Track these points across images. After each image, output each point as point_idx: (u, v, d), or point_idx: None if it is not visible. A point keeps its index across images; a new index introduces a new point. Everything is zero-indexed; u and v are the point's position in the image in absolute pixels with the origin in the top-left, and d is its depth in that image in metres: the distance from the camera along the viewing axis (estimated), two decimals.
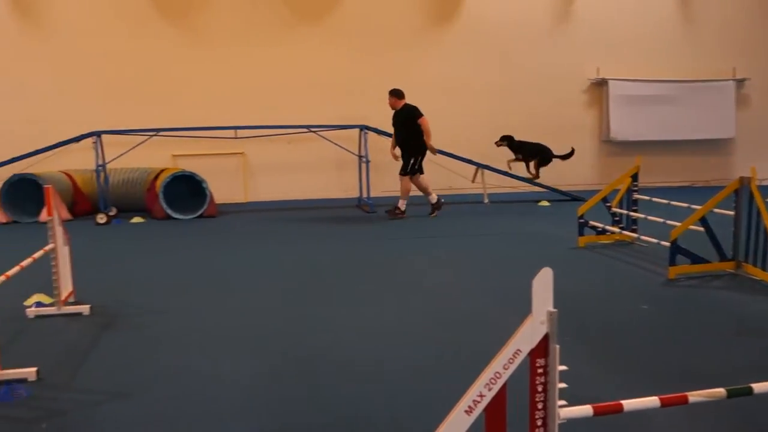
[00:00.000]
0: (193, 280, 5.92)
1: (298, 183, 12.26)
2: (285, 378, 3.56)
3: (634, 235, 7.01)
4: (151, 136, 10.12)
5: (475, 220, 9.46)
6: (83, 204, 10.22)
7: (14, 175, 9.49)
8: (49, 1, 11.11)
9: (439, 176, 12.16)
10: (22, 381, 3.51)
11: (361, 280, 5.75)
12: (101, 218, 9.36)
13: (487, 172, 11.37)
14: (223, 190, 11.31)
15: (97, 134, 9.64)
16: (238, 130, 10.45)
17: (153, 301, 5.20)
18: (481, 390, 2.01)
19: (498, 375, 2.01)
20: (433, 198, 9.79)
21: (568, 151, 11.50)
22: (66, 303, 4.88)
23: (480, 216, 9.89)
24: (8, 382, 3.44)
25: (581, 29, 13.06)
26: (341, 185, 12.34)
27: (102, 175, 9.75)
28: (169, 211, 9.61)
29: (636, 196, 7.11)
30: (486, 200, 11.23)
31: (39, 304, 4.93)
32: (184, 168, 10.33)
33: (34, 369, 3.59)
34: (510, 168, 11.43)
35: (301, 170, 12.24)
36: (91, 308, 4.85)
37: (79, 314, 4.79)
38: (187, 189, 10.01)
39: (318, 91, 11.44)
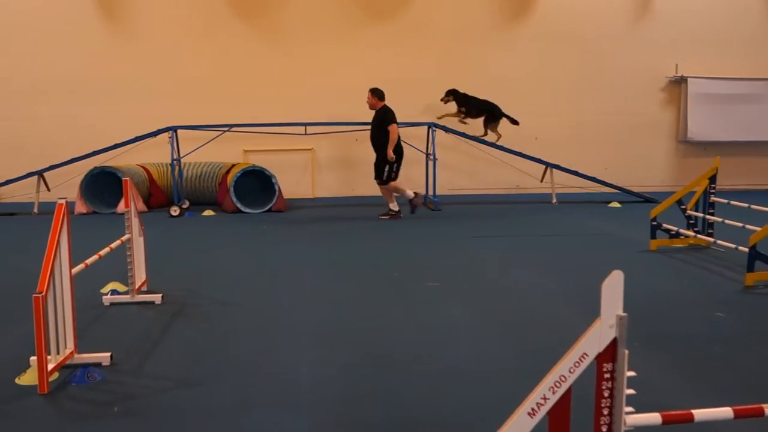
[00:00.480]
0: (260, 273, 6.04)
1: (364, 179, 12.31)
2: (352, 373, 3.58)
3: (710, 239, 6.72)
4: (224, 131, 10.39)
5: (544, 221, 9.28)
6: (158, 196, 10.59)
7: (95, 167, 9.91)
8: (131, 2, 11.53)
9: (507, 175, 12.01)
10: (97, 365, 3.66)
11: (429, 279, 5.73)
12: (174, 210, 9.67)
13: (556, 171, 11.14)
14: (291, 185, 11.49)
15: (173, 129, 9.96)
16: (307, 127, 10.59)
17: (221, 293, 5.33)
18: (545, 393, 1.96)
19: (563, 378, 1.96)
20: (395, 207, 9.40)
21: (512, 119, 11.13)
22: (139, 292, 5.06)
23: (548, 216, 9.70)
24: (84, 366, 3.59)
25: (660, 24, 12.60)
26: (408, 183, 12.32)
27: (176, 168, 10.08)
28: (239, 205, 9.83)
29: (713, 198, 6.82)
30: (554, 200, 11.01)
31: (114, 292, 5.14)
32: (254, 163, 10.56)
33: (108, 354, 3.74)
34: (464, 122, 11.12)
35: (367, 167, 12.28)
36: (162, 297, 5.01)
37: (151, 303, 4.96)
38: (257, 183, 10.22)
39: (386, 89, 11.44)
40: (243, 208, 9.83)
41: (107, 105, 11.45)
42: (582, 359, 1.96)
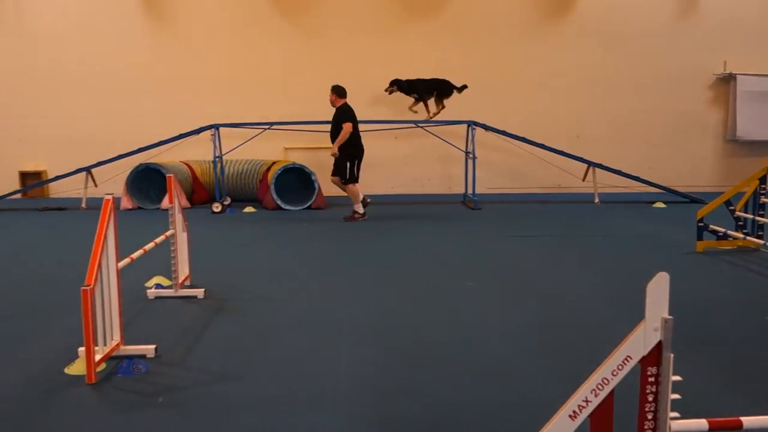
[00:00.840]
0: (299, 270, 6.09)
1: (403, 177, 12.33)
2: (389, 370, 3.59)
3: (760, 241, 6.53)
4: (265, 129, 10.51)
5: (585, 221, 9.15)
6: (201, 193, 10.76)
7: (140, 164, 10.13)
8: (177, 1, 11.74)
9: (548, 174, 11.87)
10: (142, 357, 3.74)
11: (470, 277, 5.70)
12: (216, 207, 9.82)
13: (598, 170, 10.97)
14: (330, 182, 11.57)
15: (215, 127, 10.12)
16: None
17: (262, 288, 5.40)
18: (587, 395, 1.94)
19: (605, 381, 1.93)
20: (359, 209, 9.03)
21: (462, 84, 10.80)
22: (182, 286, 5.15)
23: (590, 216, 9.56)
24: (130, 358, 3.68)
25: (707, 20, 12.29)
26: (446, 181, 12.30)
27: (218, 165, 10.23)
28: (280, 202, 9.94)
29: (764, 199, 6.62)
30: (597, 200, 10.84)
31: (158, 286, 5.24)
32: (294, 160, 10.65)
33: (152, 346, 3.83)
34: (415, 111, 10.86)
35: (406, 165, 12.29)
36: (205, 292, 5.09)
37: (194, 297, 5.05)
38: (297, 181, 10.31)
39: None
40: (283, 205, 9.93)
41: (153, 103, 11.69)
42: (626, 362, 1.93)
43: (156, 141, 10.33)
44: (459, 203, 11.02)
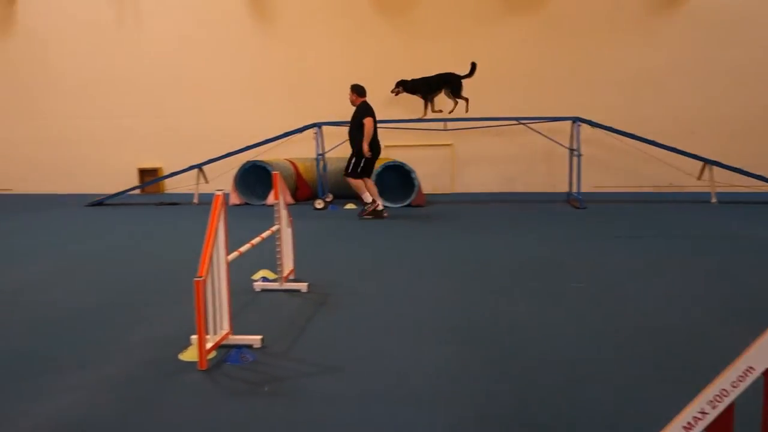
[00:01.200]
0: (400, 266, 6.13)
1: (504, 175, 12.15)
2: (486, 371, 3.55)
3: None
4: None
5: (699, 222, 8.67)
6: (304, 190, 11.05)
7: (247, 161, 10.52)
8: (282, 3, 12.10)
9: (660, 172, 11.34)
10: (249, 347, 3.88)
11: (568, 279, 5.55)
12: (319, 203, 10.04)
13: (716, 168, 10.36)
14: (430, 180, 11.57)
15: (318, 126, 10.35)
16: (447, 122, 10.59)
17: (363, 284, 5.47)
18: (704, 407, 1.83)
19: (724, 393, 1.82)
20: (368, 199, 9.04)
21: (469, 70, 10.18)
22: (287, 280, 5.31)
23: (705, 217, 9.04)
24: (238, 347, 3.83)
25: None
26: (550, 179, 12.01)
27: (321, 163, 10.46)
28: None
29: None
30: (714, 199, 10.24)
31: (264, 279, 5.43)
32: (394, 158, 10.72)
33: (259, 337, 3.96)
34: (439, 111, 10.35)
35: (508, 162, 12.11)
36: (308, 286, 5.23)
37: (297, 291, 5.19)
38: (396, 178, 10.38)
39: (526, 83, 11.23)
40: (383, 203, 10.02)
41: (259, 103, 12.12)
42: (747, 373, 1.81)
43: (262, 139, 10.69)
44: (563, 202, 10.72)
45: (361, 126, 8.90)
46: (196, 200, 10.61)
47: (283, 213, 5.19)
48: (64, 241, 7.67)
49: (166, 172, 11.63)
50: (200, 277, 3.53)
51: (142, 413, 3.11)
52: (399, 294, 5.17)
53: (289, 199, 10.31)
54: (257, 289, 5.23)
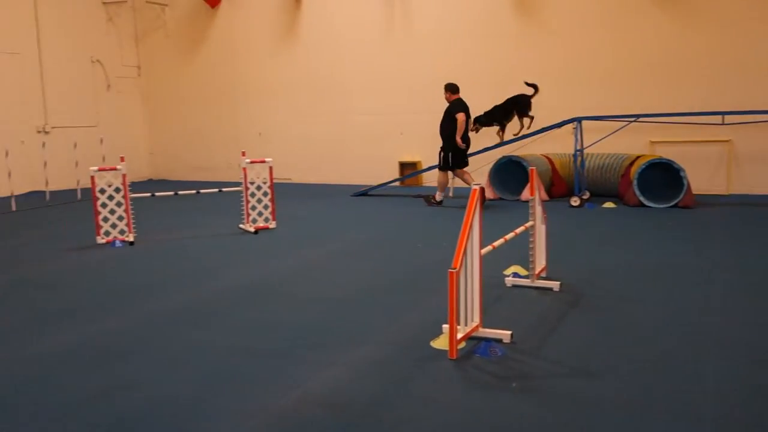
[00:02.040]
0: (658, 271, 5.67)
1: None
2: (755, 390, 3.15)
3: None
4: (630, 122, 10.01)
5: None
6: (559, 186, 10.77)
7: (502, 156, 10.55)
8: None
9: None
10: (498, 341, 3.90)
11: None
12: (575, 201, 9.72)
13: None
14: (702, 179, 10.53)
15: (578, 120, 10.00)
16: (725, 116, 9.53)
17: (619, 287, 5.18)
18: None
19: None
20: (440, 196, 9.87)
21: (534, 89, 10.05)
22: (539, 277, 5.23)
23: None
24: (487, 340, 3.87)
25: None
26: None
27: (579, 159, 10.10)
28: (642, 199, 9.40)
29: None
30: None
31: (516, 275, 5.41)
32: (661, 155, 9.96)
33: (508, 332, 3.96)
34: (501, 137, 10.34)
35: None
36: (560, 285, 5.09)
37: (549, 289, 5.08)
38: (662, 177, 9.63)
39: None
40: (646, 202, 9.37)
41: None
42: None
43: (519, 135, 10.62)
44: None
45: (454, 120, 9.47)
46: (451, 194, 10.93)
47: (538, 209, 5.12)
48: (338, 228, 8.42)
49: (423, 166, 12.12)
50: (454, 268, 3.63)
51: (396, 393, 3.29)
52: (656, 299, 4.79)
53: (544, 196, 10.12)
54: (508, 285, 5.23)
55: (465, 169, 9.91)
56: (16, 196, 10.51)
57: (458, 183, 10.89)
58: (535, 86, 10.24)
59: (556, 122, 10.30)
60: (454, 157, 9.71)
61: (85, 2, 13.84)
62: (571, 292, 5.01)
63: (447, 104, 9.89)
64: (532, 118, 10.33)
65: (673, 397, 3.13)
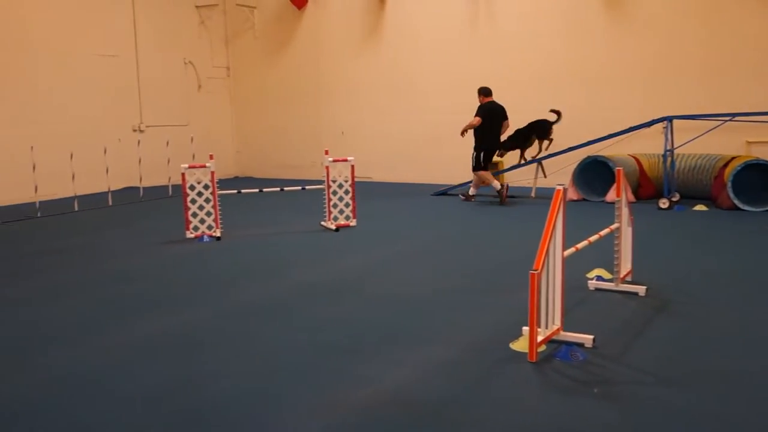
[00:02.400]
0: (752, 278, 5.39)
1: None
2: None
3: None
4: (725, 121, 9.55)
5: None
6: (647, 188, 10.40)
7: (587, 156, 10.28)
8: None
9: None
10: (580, 345, 3.82)
11: None
12: (663, 203, 9.36)
13: None
14: None
15: (669, 119, 9.62)
16: None
17: (707, 293, 4.97)
18: None
19: None
20: (497, 185, 10.29)
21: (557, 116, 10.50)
22: (623, 281, 5.07)
23: None
24: (568, 344, 3.79)
25: None
26: None
27: (669, 160, 9.71)
28: (737, 202, 8.94)
29: None
30: None
31: (599, 278, 5.27)
32: (759, 156, 9.44)
33: (591, 336, 3.87)
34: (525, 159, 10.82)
35: None
36: (646, 290, 4.92)
37: (634, 294, 4.93)
38: (759, 179, 9.14)
39: None
40: (741, 206, 8.91)
41: (605, 96, 11.70)
42: None
43: (605, 134, 10.33)
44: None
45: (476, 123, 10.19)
46: (533, 194, 10.75)
47: (624, 211, 4.97)
48: (417, 226, 8.45)
49: (506, 166, 11.98)
50: (536, 270, 3.58)
51: (472, 394, 3.28)
52: (749, 309, 4.55)
53: (631, 197, 9.77)
54: (591, 288, 5.11)
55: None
56: (112, 191, 11.09)
57: (541, 183, 10.71)
58: (558, 113, 10.59)
59: (645, 121, 9.96)
60: (485, 156, 10.36)
61: (179, 6, 14.43)
62: (658, 298, 4.84)
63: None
64: (551, 141, 10.71)
65: (761, 411, 2.98)
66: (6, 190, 10.45)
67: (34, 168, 9.74)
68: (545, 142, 10.76)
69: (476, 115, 10.26)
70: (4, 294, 5.46)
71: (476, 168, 10.42)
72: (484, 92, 10.52)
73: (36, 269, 6.35)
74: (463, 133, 10.39)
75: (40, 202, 9.86)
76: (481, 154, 10.34)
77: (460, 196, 10.81)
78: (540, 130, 10.74)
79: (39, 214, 9.59)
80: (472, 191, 10.66)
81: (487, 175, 10.40)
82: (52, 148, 11.05)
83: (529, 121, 10.83)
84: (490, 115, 10.29)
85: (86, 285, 5.71)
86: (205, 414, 3.14)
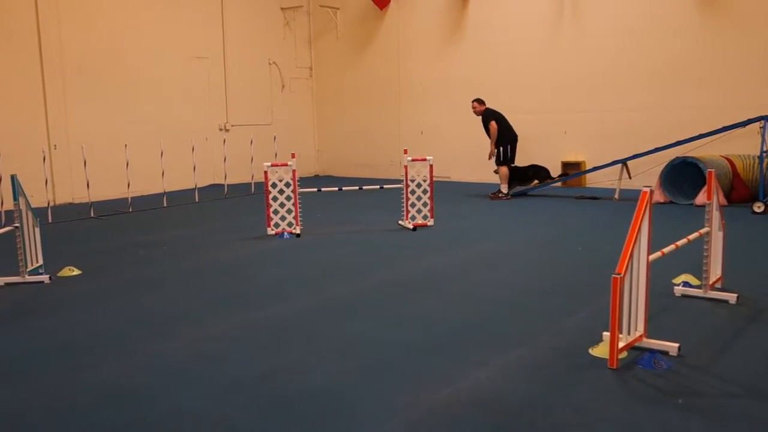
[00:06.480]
0: None
1: None
2: None
3: None
4: None
5: None
6: (741, 190, 9.88)
7: (676, 157, 9.87)
8: None
9: None
10: (664, 353, 3.68)
11: None
12: (758, 207, 8.89)
13: None
14: None
15: (765, 119, 9.12)
16: None
17: None
18: None
19: None
20: (504, 189, 10.88)
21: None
22: (713, 288, 4.85)
23: None
24: (651, 351, 3.66)
25: None
26: None
27: (765, 161, 9.21)
28: None
29: None
30: None
31: (686, 284, 5.06)
32: None
33: (676, 344, 3.72)
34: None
35: None
36: (737, 298, 4.69)
37: (724, 301, 4.70)
38: None
39: None
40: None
41: (693, 95, 11.22)
42: None
43: (695, 134, 9.89)
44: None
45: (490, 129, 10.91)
46: (616, 196, 10.42)
47: (715, 215, 4.75)
48: (496, 227, 8.36)
49: (588, 166, 11.67)
50: (618, 274, 3.47)
51: (551, 398, 3.22)
52: None
53: (723, 200, 9.34)
54: (677, 294, 4.91)
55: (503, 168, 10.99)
56: (198, 188, 11.52)
57: (626, 185, 10.38)
58: (567, 174, 11.72)
59: (740, 121, 9.49)
60: (510, 150, 10.97)
61: (265, 8, 14.82)
62: (750, 306, 4.60)
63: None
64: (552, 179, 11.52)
65: None
66: (102, 186, 11.02)
67: (127, 165, 10.24)
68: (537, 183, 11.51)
69: (489, 122, 10.89)
70: (106, 284, 5.78)
71: (502, 162, 10.89)
72: (480, 101, 11.22)
73: (132, 261, 6.68)
74: (490, 156, 10.99)
75: (132, 197, 10.36)
76: (507, 149, 10.90)
77: (491, 198, 11.00)
78: (539, 175, 11.54)
79: (131, 209, 10.08)
80: (505, 189, 10.93)
81: (505, 171, 10.89)
82: (144, 146, 11.60)
83: (531, 164, 11.57)
84: (497, 116, 10.98)
85: (180, 277, 5.98)
86: (289, 405, 3.23)
